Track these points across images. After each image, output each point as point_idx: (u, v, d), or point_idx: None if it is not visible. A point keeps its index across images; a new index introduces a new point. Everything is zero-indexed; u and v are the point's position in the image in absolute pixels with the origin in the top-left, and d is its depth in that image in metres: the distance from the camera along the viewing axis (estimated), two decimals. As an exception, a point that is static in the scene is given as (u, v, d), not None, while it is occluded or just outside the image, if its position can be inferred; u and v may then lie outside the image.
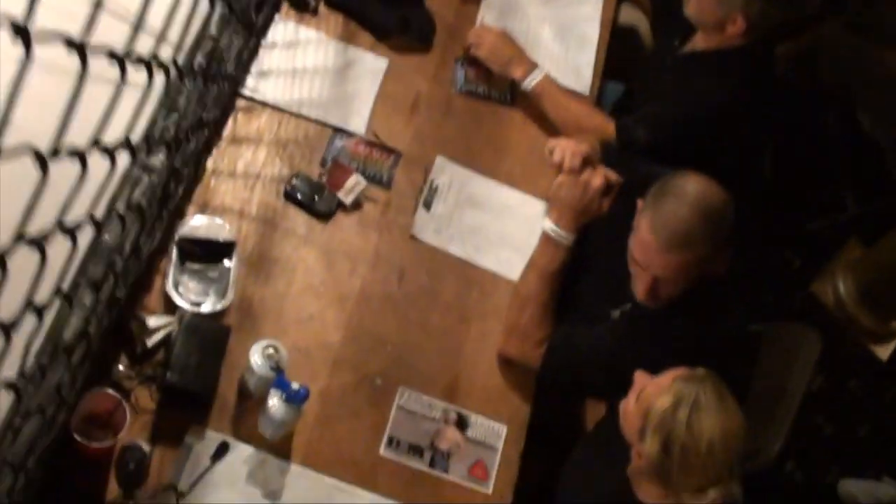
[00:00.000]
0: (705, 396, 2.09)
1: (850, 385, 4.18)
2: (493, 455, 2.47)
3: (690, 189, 2.28)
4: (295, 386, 2.19)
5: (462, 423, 2.49)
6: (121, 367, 2.31)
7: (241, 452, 2.30)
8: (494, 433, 2.50)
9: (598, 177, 2.54)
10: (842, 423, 4.04)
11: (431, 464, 2.42)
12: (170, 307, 2.37)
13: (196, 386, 2.26)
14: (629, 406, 2.21)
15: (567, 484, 2.51)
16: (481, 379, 2.56)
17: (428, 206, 2.73)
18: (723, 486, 2.11)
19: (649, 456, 2.12)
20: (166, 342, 2.33)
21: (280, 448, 2.33)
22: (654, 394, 2.14)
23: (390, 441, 2.41)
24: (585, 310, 2.60)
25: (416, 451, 2.42)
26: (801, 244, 4.41)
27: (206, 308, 2.38)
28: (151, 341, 2.34)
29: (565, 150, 2.57)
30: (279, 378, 2.21)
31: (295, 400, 2.19)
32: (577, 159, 2.53)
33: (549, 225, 2.56)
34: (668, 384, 2.13)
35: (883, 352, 4.22)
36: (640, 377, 2.22)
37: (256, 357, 2.26)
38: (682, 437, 2.07)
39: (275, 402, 2.22)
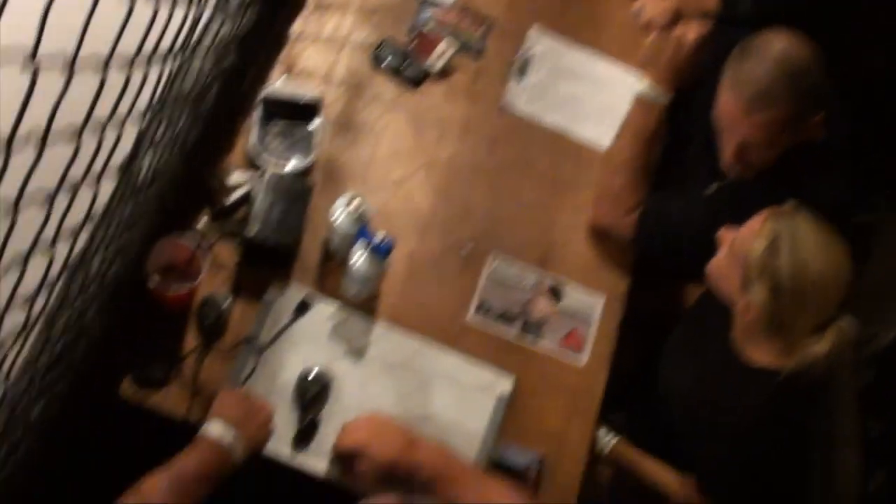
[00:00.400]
0: (803, 229, 1.97)
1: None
2: (588, 326, 2.34)
3: (773, 45, 2.14)
4: (379, 236, 2.08)
5: (556, 293, 2.36)
6: (201, 225, 2.21)
7: (324, 309, 2.20)
8: (590, 304, 2.37)
9: (691, 30, 2.39)
10: None
11: (523, 332, 2.29)
12: (252, 166, 2.27)
13: (278, 239, 2.16)
14: (721, 262, 2.07)
15: (667, 365, 2.37)
16: (575, 251, 2.43)
17: (521, 76, 2.61)
18: (839, 323, 1.96)
19: (759, 305, 1.98)
20: (247, 199, 2.22)
21: (364, 308, 2.22)
22: (747, 240, 2.01)
23: (479, 307, 2.29)
24: (681, 184, 2.44)
25: (506, 318, 2.30)
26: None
27: (290, 167, 2.28)
28: (232, 198, 2.26)
29: (653, 7, 2.42)
30: (363, 229, 2.11)
31: (379, 252, 2.09)
32: (666, 15, 2.38)
33: (643, 86, 2.41)
34: (758, 227, 2.00)
35: None
36: (725, 232, 2.09)
37: (340, 211, 2.16)
38: (789, 275, 1.94)
39: (359, 254, 2.12)
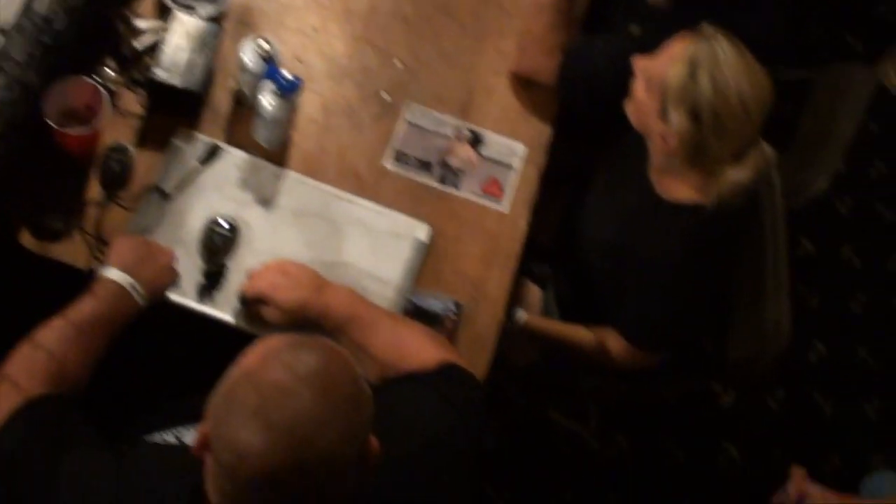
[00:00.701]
0: (723, 51, 1.92)
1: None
2: (509, 173, 2.29)
3: None
4: (287, 75, 2.02)
5: (476, 141, 2.31)
6: (106, 70, 2.14)
7: (234, 157, 2.15)
8: (511, 151, 2.32)
9: None
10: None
11: (441, 180, 2.25)
12: (162, 11, 2.19)
13: (186, 83, 2.10)
14: (637, 93, 2.01)
15: (587, 214, 2.36)
16: (498, 99, 2.37)
17: (444, -79, 2.50)
18: (759, 148, 1.94)
19: (678, 133, 1.94)
20: (155, 47, 2.15)
21: (277, 156, 2.17)
22: (664, 66, 1.95)
23: (397, 155, 2.24)
24: (605, 26, 2.37)
25: (424, 166, 2.25)
26: (865, 29, 4.08)
27: (201, 12, 2.20)
28: (140, 44, 2.18)
29: None
30: (270, 68, 2.04)
31: (287, 91, 2.03)
32: None
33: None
34: (677, 52, 1.93)
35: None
36: (639, 62, 2.02)
37: (247, 51, 2.09)
38: (709, 98, 1.90)
39: (267, 96, 2.06)
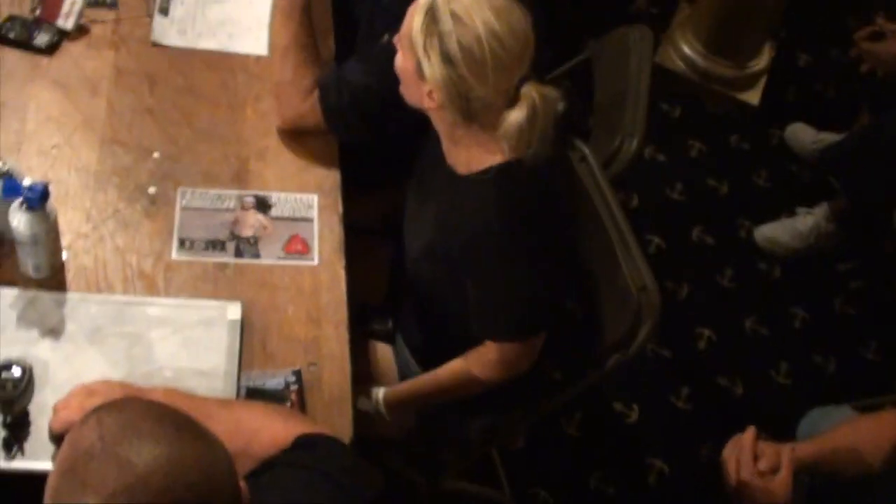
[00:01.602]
0: None
1: (732, 140, 3.89)
2: (309, 226, 2.13)
3: None
4: (27, 182, 1.82)
5: (263, 205, 2.13)
6: None
7: (5, 297, 1.93)
8: (305, 205, 2.16)
9: None
10: (735, 177, 3.74)
11: (238, 254, 2.05)
12: None
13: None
14: (399, 64, 1.93)
15: (407, 237, 2.19)
16: (274, 158, 2.23)
17: (165, 12, 2.40)
18: (532, 84, 1.80)
19: (437, 83, 1.82)
20: None
21: (52, 282, 1.96)
22: (408, 23, 1.83)
23: (182, 243, 2.05)
24: (358, 54, 2.26)
25: (215, 245, 2.07)
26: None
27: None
28: None
29: None
30: (7, 182, 1.84)
31: (35, 199, 1.82)
32: None
33: (279, -45, 2.21)
34: (417, 4, 1.83)
35: (753, 96, 3.94)
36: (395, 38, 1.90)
37: (-20, 181, 1.88)
38: (455, 34, 1.78)
39: (17, 216, 1.85)
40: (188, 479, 1.16)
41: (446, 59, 1.80)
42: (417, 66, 1.84)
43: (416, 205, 2.16)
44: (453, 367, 2.12)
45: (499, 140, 1.85)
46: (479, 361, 2.08)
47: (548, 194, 1.98)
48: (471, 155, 1.93)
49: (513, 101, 1.82)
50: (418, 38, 1.82)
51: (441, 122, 1.92)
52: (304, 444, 1.58)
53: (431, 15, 1.81)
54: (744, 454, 1.96)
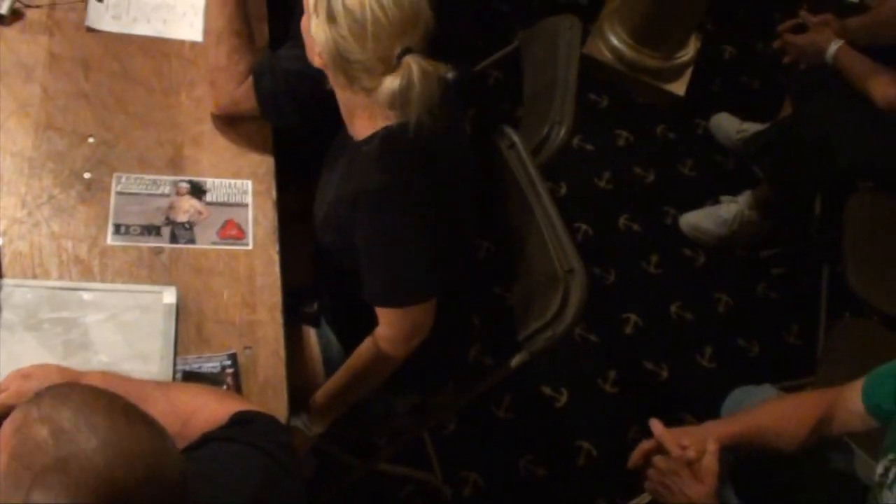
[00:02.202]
0: None
1: (658, 131, 3.96)
2: (243, 211, 2.15)
3: None
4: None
5: (198, 191, 2.15)
6: None
7: (-65, 285, 1.91)
8: (239, 190, 2.18)
9: None
10: (661, 166, 3.81)
11: (173, 239, 2.06)
12: None
13: None
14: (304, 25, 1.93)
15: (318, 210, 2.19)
16: (209, 144, 2.25)
17: (100, -2, 2.37)
18: (415, 57, 1.83)
19: (319, 39, 1.86)
20: None
21: (-15, 270, 1.93)
22: None
23: (116, 229, 2.05)
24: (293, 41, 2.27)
25: (150, 230, 2.08)
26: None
27: None
28: None
29: None
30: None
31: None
32: None
33: (211, -58, 2.22)
34: None
35: (679, 87, 4.02)
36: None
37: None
38: None
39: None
40: (143, 467, 1.18)
41: (331, 17, 1.83)
42: (309, 26, 1.88)
43: (324, 176, 2.18)
44: (360, 349, 2.15)
45: (379, 103, 1.88)
46: (379, 335, 2.09)
47: (431, 160, 2.00)
48: (360, 122, 1.97)
49: (392, 70, 1.84)
50: None
51: (335, 88, 1.95)
52: (240, 420, 1.61)
53: None
54: (668, 444, 2.02)
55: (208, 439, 1.58)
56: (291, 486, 1.56)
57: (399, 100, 1.84)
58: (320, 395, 2.21)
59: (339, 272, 2.17)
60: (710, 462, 1.97)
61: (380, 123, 1.94)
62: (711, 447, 1.99)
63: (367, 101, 1.91)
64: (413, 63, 1.82)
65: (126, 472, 1.16)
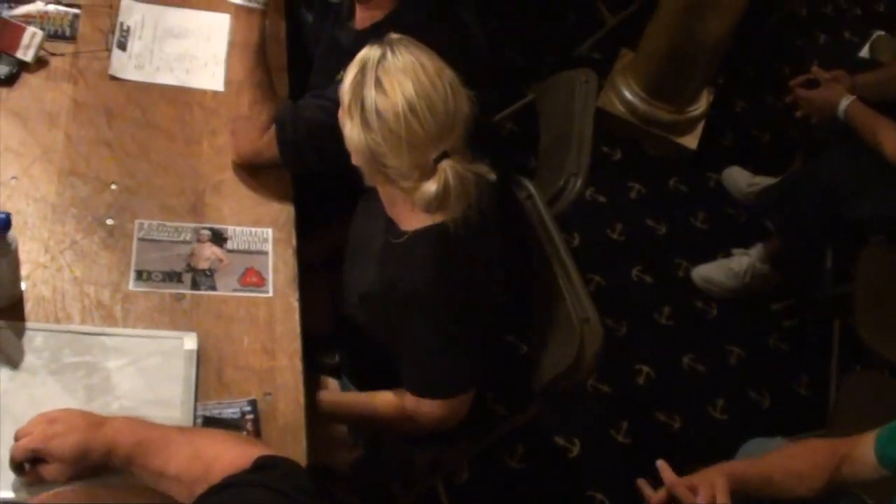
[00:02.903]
0: (396, 54, 1.83)
1: (671, 184, 3.99)
2: (263, 259, 2.17)
3: None
4: (-11, 213, 1.84)
5: (219, 238, 2.18)
6: None
7: (-38, 331, 1.92)
8: (260, 238, 2.20)
9: None
10: (673, 219, 3.83)
11: (195, 286, 2.08)
12: None
13: None
14: (341, 117, 1.94)
15: (348, 280, 2.26)
16: (230, 192, 2.27)
17: (123, 47, 2.43)
18: (448, 160, 1.84)
19: (354, 143, 1.87)
20: None
21: (10, 313, 1.97)
22: (350, 68, 1.87)
23: (139, 275, 2.08)
24: (314, 90, 2.31)
25: (172, 276, 2.10)
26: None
27: None
28: None
29: None
30: (-34, 216, 1.86)
31: (-4, 230, 1.84)
32: None
33: (236, -4, 2.26)
34: (355, 59, 1.86)
35: (691, 141, 4.05)
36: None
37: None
38: (374, 102, 1.81)
39: (-25, 247, 1.86)
40: None
41: (365, 124, 1.84)
42: (343, 124, 1.90)
43: (357, 248, 2.22)
44: (386, 397, 2.19)
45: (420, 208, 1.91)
46: (413, 408, 2.14)
47: (474, 255, 2.04)
48: (409, 215, 2.00)
49: (429, 175, 1.86)
50: (345, 97, 1.88)
51: (370, 178, 1.99)
52: (263, 465, 1.62)
53: (361, 75, 1.85)
54: (678, 490, 2.03)
55: (230, 483, 1.58)
56: None
57: (435, 204, 1.87)
58: (329, 402, 2.23)
59: (366, 338, 2.19)
60: (721, 495, 1.98)
61: (423, 220, 1.97)
62: (720, 481, 2.00)
63: (407, 197, 1.94)
64: (449, 169, 1.85)
65: None
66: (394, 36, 1.88)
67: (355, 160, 1.93)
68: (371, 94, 1.82)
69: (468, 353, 2.07)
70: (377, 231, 2.10)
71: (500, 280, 2.16)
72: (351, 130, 1.87)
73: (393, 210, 2.02)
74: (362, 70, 1.85)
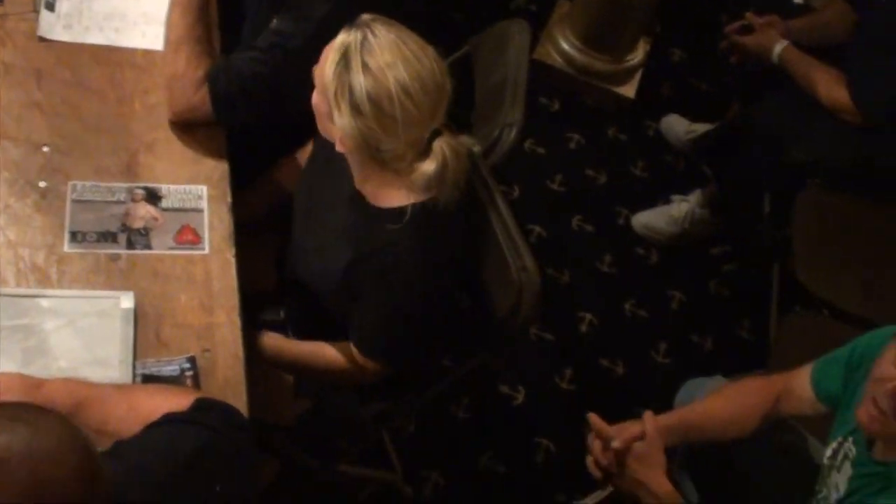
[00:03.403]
0: (377, 35, 1.81)
1: (609, 133, 4.01)
2: (199, 216, 2.17)
3: None
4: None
5: (153, 197, 2.17)
6: None
7: None
8: (194, 196, 2.20)
9: None
10: (612, 168, 3.86)
11: (130, 245, 2.09)
12: None
13: None
14: (314, 100, 1.93)
15: (298, 251, 2.29)
16: (163, 151, 2.27)
17: (51, 7, 2.40)
18: (444, 137, 1.84)
19: (346, 131, 1.85)
20: None
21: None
22: (323, 61, 1.86)
23: (73, 236, 2.07)
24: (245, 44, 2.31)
25: (107, 237, 2.10)
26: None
27: None
28: None
29: None
30: None
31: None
32: None
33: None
34: (333, 44, 1.85)
35: (629, 90, 4.07)
36: (315, 68, 1.93)
37: None
38: (365, 86, 1.80)
39: None
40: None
41: (356, 110, 1.82)
42: (329, 111, 1.88)
43: (315, 220, 2.22)
44: (336, 353, 2.21)
45: (413, 183, 1.92)
46: (359, 360, 2.16)
47: (458, 238, 2.07)
48: (387, 193, 1.99)
49: (424, 153, 1.87)
50: (330, 85, 1.85)
51: (355, 164, 1.99)
52: (201, 406, 1.64)
53: (344, 61, 1.82)
54: (603, 433, 2.07)
55: (168, 420, 1.61)
56: (238, 465, 1.59)
57: (435, 182, 1.89)
58: (272, 347, 2.24)
59: (314, 294, 2.21)
60: (650, 442, 2.02)
61: (406, 198, 1.97)
62: (649, 429, 2.04)
63: (396, 179, 1.94)
64: (445, 145, 1.87)
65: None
66: (366, 17, 1.86)
67: (343, 147, 1.92)
68: (359, 79, 1.80)
69: (433, 331, 2.11)
70: (339, 203, 2.10)
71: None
72: (340, 119, 1.85)
73: (365, 185, 2.01)
74: (345, 56, 1.82)
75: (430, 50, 1.88)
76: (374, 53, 1.82)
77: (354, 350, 2.14)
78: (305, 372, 2.24)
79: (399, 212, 1.97)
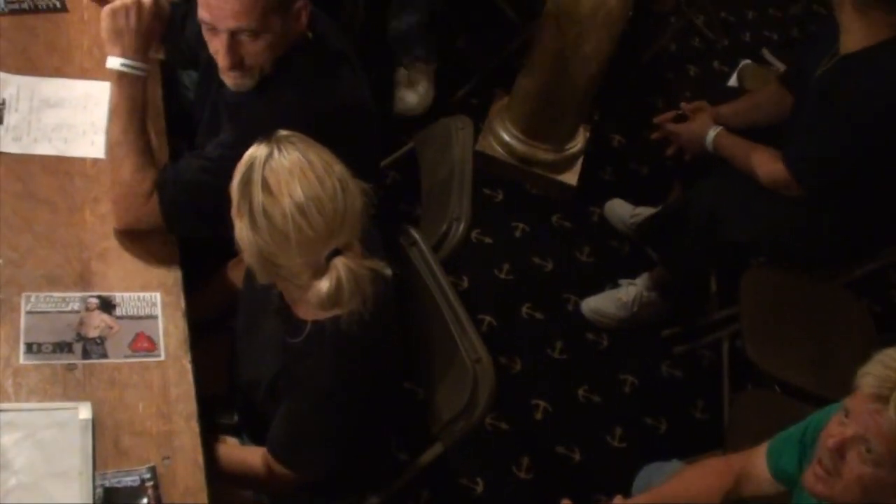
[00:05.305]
0: (282, 153, 1.82)
1: (554, 220, 4.07)
2: (154, 323, 2.18)
3: None
4: None
5: (107, 306, 2.17)
6: None
7: None
8: (148, 303, 2.21)
9: None
10: (559, 255, 3.91)
11: (86, 354, 2.09)
12: None
13: None
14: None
15: (240, 357, 2.32)
16: (115, 260, 2.28)
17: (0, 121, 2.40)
18: (347, 256, 1.84)
19: (244, 243, 1.85)
20: None
21: None
22: (238, 166, 1.87)
23: (29, 347, 2.07)
24: (199, 149, 2.33)
25: (62, 347, 2.10)
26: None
27: None
28: None
29: None
30: None
31: None
32: None
33: (114, 62, 2.27)
34: (244, 157, 1.87)
35: (571, 177, 4.14)
36: None
37: None
38: (260, 203, 1.80)
39: None
40: None
41: (253, 224, 1.82)
42: (234, 219, 1.88)
43: (251, 326, 2.25)
44: (256, 460, 2.22)
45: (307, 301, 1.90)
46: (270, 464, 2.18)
47: (375, 351, 2.07)
48: (296, 303, 2.03)
49: (320, 273, 1.84)
50: (234, 195, 1.86)
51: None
52: None
53: (248, 176, 1.82)
54: None
55: None
56: None
57: (329, 302, 1.84)
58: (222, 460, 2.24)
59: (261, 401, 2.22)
60: None
61: (314, 314, 1.98)
62: None
63: (302, 294, 1.92)
64: (342, 266, 1.82)
65: None
66: (282, 133, 1.86)
67: (246, 259, 1.91)
68: (258, 194, 1.80)
69: (340, 447, 2.14)
70: (270, 313, 2.12)
71: (401, 359, 2.20)
72: (240, 230, 1.85)
73: (289, 297, 2.03)
74: (249, 169, 1.82)
75: (339, 169, 1.85)
76: (275, 171, 1.81)
77: (267, 454, 2.15)
78: (241, 480, 2.24)
79: (320, 329, 1.99)
